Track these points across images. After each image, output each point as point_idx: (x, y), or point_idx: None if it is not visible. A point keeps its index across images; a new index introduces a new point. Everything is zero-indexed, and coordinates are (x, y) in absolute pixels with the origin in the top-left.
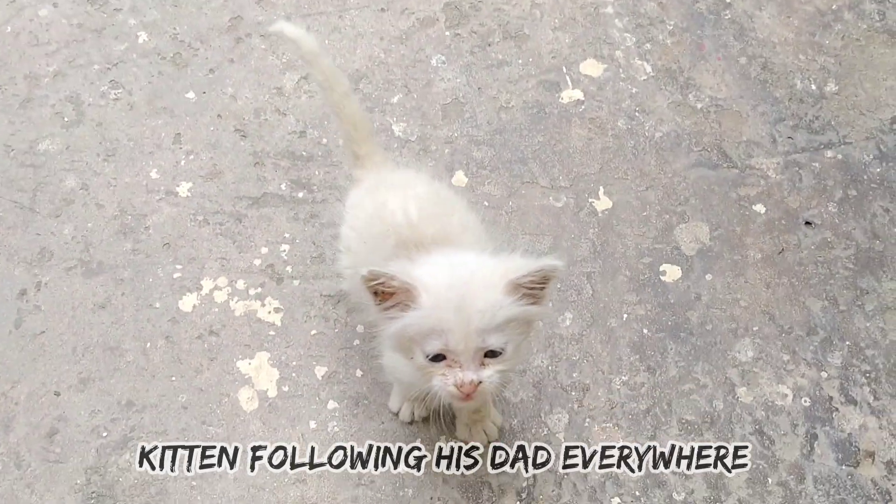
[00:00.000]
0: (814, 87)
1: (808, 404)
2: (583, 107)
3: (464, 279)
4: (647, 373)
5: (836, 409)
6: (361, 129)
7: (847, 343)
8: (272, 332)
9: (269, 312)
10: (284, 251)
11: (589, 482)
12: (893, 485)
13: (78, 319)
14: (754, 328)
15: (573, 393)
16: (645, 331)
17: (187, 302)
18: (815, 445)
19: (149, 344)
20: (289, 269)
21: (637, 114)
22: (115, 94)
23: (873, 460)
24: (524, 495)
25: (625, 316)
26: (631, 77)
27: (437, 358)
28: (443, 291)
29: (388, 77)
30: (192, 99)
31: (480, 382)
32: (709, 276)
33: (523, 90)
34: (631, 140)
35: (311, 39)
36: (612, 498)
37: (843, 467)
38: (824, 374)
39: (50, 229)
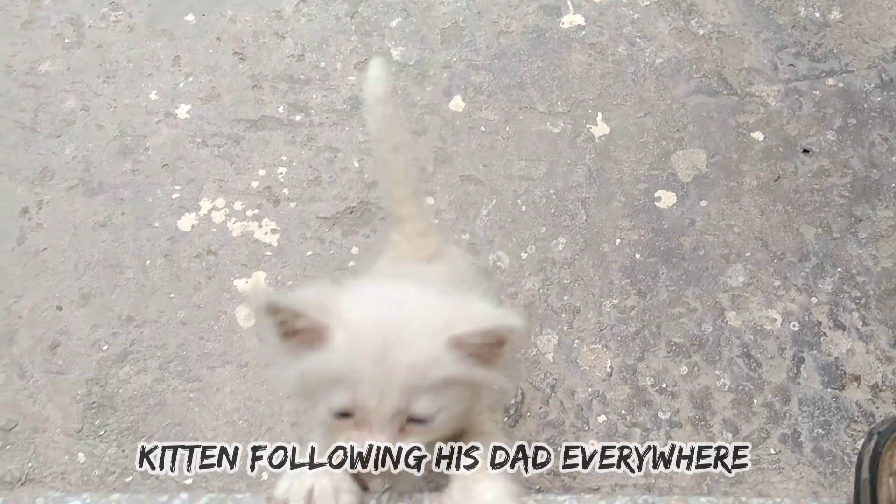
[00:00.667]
0: (818, 14)
1: (796, 329)
2: (583, 32)
3: (394, 319)
4: (638, 296)
5: (825, 334)
6: (405, 187)
7: (839, 270)
8: (269, 253)
9: (266, 233)
10: (281, 174)
11: (576, 400)
12: (877, 408)
13: (79, 237)
14: (747, 254)
15: (563, 315)
16: (637, 256)
17: (186, 222)
18: (801, 369)
19: (148, 262)
20: (286, 191)
21: (638, 40)
22: (115, 15)
23: (859, 384)
24: (512, 412)
25: (618, 241)
26: (633, 2)
27: (346, 414)
28: (363, 331)
29: (387, 0)
30: (192, 21)
31: (399, 451)
32: (703, 203)
33: (523, 14)
34: (631, 66)
35: (387, 83)
36: (599, 416)
37: (829, 390)
38: (814, 300)
39: (51, 149)
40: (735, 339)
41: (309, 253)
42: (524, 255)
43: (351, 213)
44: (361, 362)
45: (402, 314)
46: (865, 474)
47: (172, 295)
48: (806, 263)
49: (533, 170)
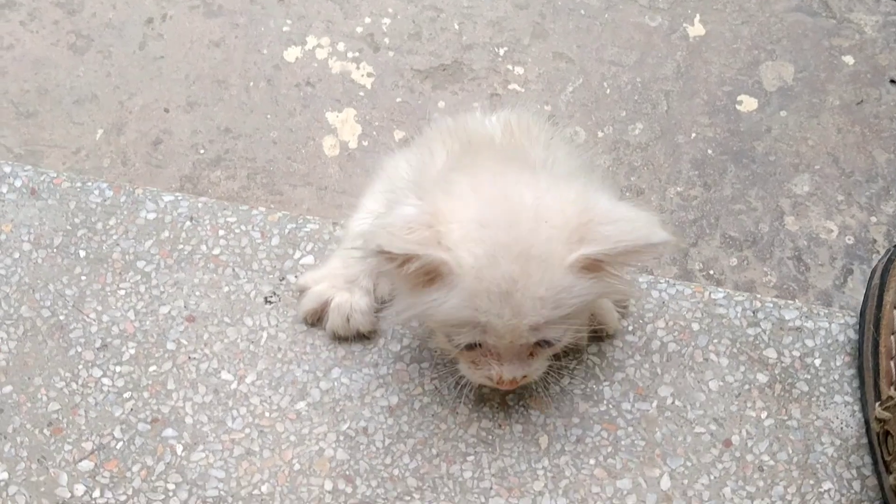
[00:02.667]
0: None
1: (850, 242)
2: None
3: (518, 247)
4: (703, 188)
5: (878, 252)
6: None
7: None
8: (361, 94)
9: (363, 76)
10: (385, 24)
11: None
12: None
13: (194, 52)
14: (816, 166)
15: (627, 194)
16: (710, 151)
17: (291, 53)
18: (848, 279)
19: (252, 83)
20: (386, 40)
21: None
22: None
23: None
24: None
25: (693, 135)
26: None
27: (471, 346)
28: (485, 270)
29: None
30: None
31: (525, 377)
32: (783, 113)
33: None
34: None
35: None
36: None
37: None
38: (874, 219)
39: None
40: (789, 241)
41: (398, 99)
42: (600, 134)
43: (444, 70)
44: (488, 305)
45: (526, 239)
46: (876, 280)
47: (269, 116)
48: (872, 184)
49: (624, 57)
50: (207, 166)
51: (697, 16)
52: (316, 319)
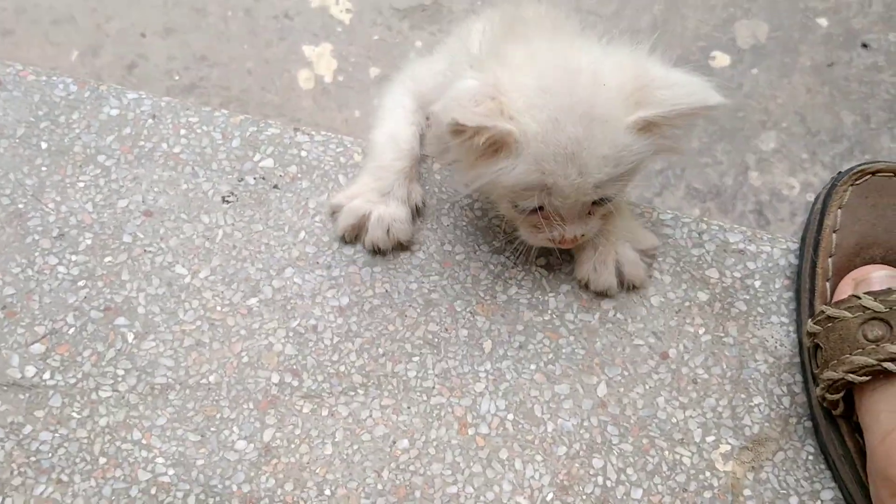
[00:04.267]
0: None
1: (811, 199)
2: None
3: (580, 110)
4: None
5: None
6: None
7: (866, 156)
8: (339, 29)
9: (341, 11)
10: None
11: None
12: None
13: None
14: (783, 125)
15: None
16: None
17: None
18: None
19: (230, 13)
20: None
21: None
22: None
23: None
24: None
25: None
26: None
27: (533, 211)
28: (553, 137)
29: None
30: None
31: (584, 235)
32: (755, 70)
33: None
34: None
35: None
36: None
37: None
38: None
39: None
40: (752, 195)
41: (375, 37)
42: None
43: (423, 10)
44: (554, 167)
45: (587, 101)
46: (818, 206)
47: (245, 46)
48: (837, 145)
49: (602, 7)
50: (181, 92)
51: None
52: (354, 236)
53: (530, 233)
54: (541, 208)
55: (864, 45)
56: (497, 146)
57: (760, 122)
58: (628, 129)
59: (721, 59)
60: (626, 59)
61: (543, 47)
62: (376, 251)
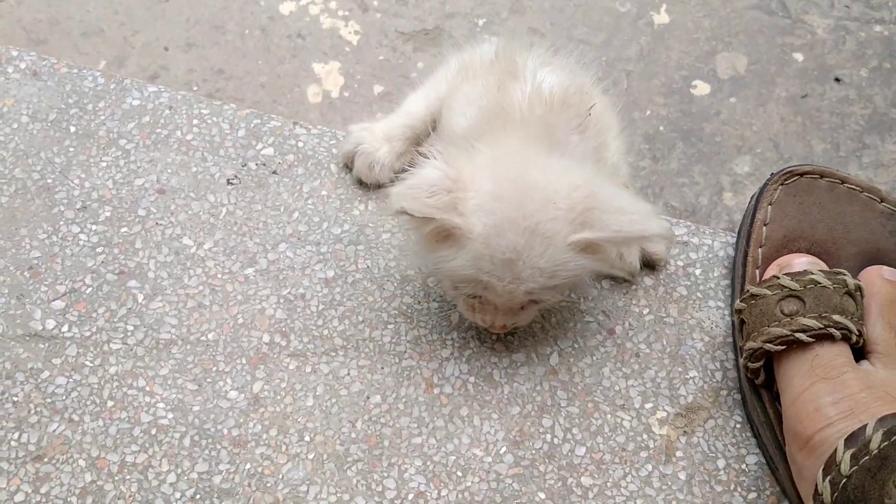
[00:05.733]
0: None
1: None
2: None
3: (526, 223)
4: (651, 160)
5: None
6: None
7: None
8: (347, 49)
9: (350, 33)
10: None
11: None
12: None
13: None
14: (757, 150)
15: None
16: (661, 128)
17: (286, 7)
18: None
19: (247, 31)
20: (375, 2)
21: None
22: None
23: None
24: None
25: (648, 112)
26: None
27: (471, 296)
28: (494, 240)
29: None
30: None
31: (514, 324)
32: (733, 99)
33: None
34: None
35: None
36: None
37: None
38: None
39: None
40: (725, 215)
41: (381, 57)
42: None
43: (426, 34)
44: (491, 268)
45: (533, 216)
46: (752, 202)
47: (260, 62)
48: None
49: (592, 37)
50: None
51: (664, 5)
52: (350, 162)
53: (466, 310)
54: (479, 297)
55: (837, 80)
56: (446, 234)
57: (736, 147)
58: (568, 248)
59: (702, 88)
60: (580, 180)
61: (509, 157)
62: (361, 184)
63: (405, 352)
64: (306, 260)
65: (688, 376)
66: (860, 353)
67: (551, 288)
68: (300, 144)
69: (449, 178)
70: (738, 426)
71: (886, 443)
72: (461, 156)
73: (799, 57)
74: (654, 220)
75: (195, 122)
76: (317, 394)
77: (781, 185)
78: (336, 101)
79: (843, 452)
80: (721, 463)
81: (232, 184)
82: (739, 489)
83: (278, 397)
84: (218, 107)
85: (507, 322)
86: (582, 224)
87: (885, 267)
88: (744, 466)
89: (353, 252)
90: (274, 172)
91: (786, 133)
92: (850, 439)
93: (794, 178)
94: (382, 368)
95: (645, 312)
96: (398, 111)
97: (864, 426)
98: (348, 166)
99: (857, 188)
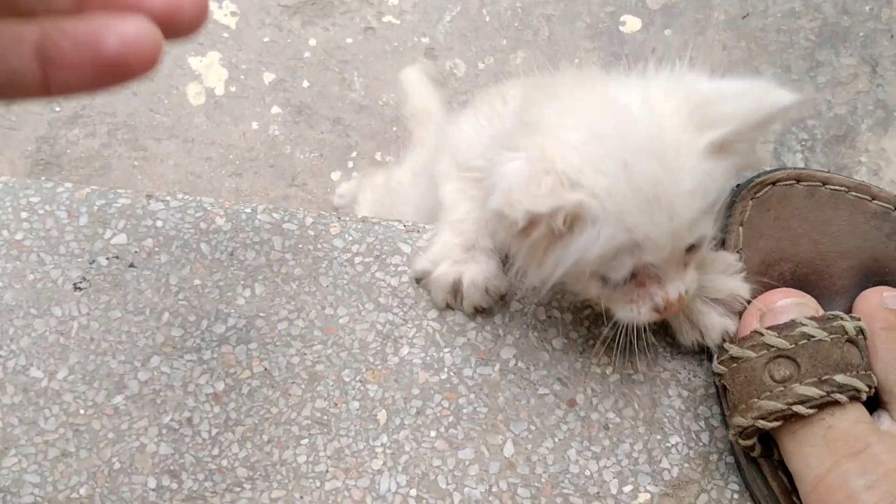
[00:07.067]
0: None
1: None
2: None
3: (648, 149)
4: None
5: (764, 170)
6: None
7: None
8: (226, 35)
9: (226, 15)
10: None
11: None
12: None
13: None
14: None
15: None
16: None
17: None
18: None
19: None
20: None
21: None
22: None
23: None
24: None
25: (576, 61)
26: None
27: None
28: (628, 185)
29: None
30: None
31: (687, 292)
32: (668, 32)
33: None
34: None
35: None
36: None
37: None
38: (760, 137)
39: None
40: None
41: (266, 39)
42: (481, 65)
43: (313, 4)
44: (639, 218)
45: (649, 134)
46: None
47: None
48: None
49: None
50: (64, 125)
51: None
52: (452, 300)
53: (630, 309)
54: (633, 276)
55: None
56: (572, 219)
57: None
58: (704, 155)
59: (632, 24)
60: (667, 83)
61: (577, 96)
62: (479, 311)
63: (326, 471)
64: (187, 374)
65: (669, 444)
66: (872, 400)
67: (709, 212)
68: (158, 224)
69: (536, 157)
70: (735, 497)
71: None
72: (521, 135)
73: None
74: (779, 90)
75: (24, 214)
76: None
77: (752, 199)
78: (222, 100)
79: None
80: None
81: (80, 288)
82: None
83: None
84: (50, 190)
85: (681, 288)
86: (699, 125)
87: (886, 290)
88: None
89: (245, 353)
90: (131, 265)
91: (730, 62)
92: None
93: (766, 189)
94: (301, 497)
95: (608, 372)
96: (446, 209)
97: None
98: (450, 306)
99: (842, 188)
